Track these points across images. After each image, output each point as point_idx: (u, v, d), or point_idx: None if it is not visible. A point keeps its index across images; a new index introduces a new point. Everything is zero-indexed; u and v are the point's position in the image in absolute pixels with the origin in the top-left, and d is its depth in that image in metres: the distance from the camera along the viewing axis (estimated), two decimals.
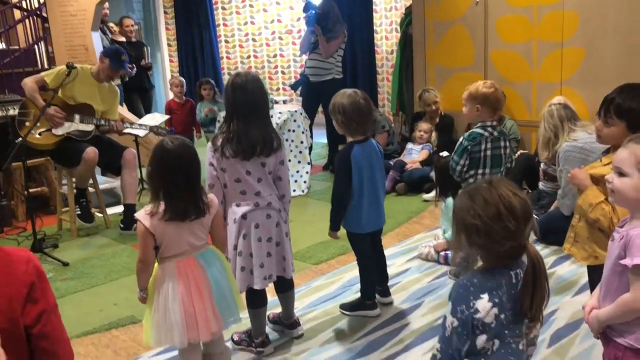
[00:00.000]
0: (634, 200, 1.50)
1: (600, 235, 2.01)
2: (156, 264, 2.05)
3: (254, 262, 2.39)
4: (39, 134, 3.94)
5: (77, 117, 4.02)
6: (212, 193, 2.25)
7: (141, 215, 2.00)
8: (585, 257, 2.10)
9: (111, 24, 6.23)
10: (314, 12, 5.34)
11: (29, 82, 4.00)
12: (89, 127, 4.05)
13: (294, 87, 5.87)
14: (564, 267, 3.16)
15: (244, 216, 2.35)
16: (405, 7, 6.28)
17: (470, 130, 2.90)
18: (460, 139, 2.92)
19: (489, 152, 2.85)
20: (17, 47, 6.26)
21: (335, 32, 5.33)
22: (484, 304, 1.32)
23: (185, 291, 1.98)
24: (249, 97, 2.33)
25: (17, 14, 6.64)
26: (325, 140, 5.85)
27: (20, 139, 3.71)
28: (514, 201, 1.32)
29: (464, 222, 1.35)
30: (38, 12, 6.19)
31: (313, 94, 5.48)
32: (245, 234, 2.37)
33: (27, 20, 6.24)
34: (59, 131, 3.99)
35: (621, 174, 1.52)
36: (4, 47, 6.33)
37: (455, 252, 1.45)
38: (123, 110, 5.27)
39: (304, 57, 5.77)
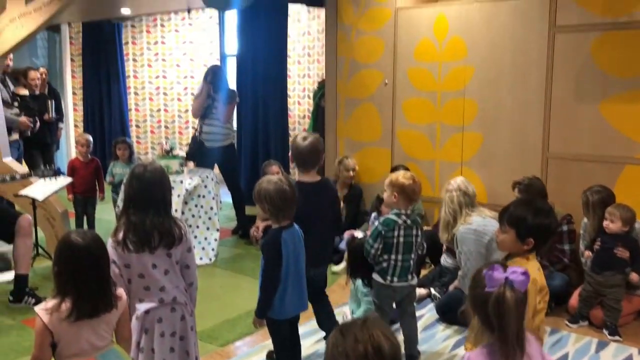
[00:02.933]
0: None
1: None
2: None
3: (156, 358, 2.30)
4: None
5: None
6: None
7: (41, 310, 1.90)
8: None
9: (32, 72, 5.90)
10: (216, 78, 5.46)
11: None
12: None
13: (191, 157, 5.70)
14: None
15: (147, 312, 2.28)
16: (317, 77, 6.50)
17: (386, 217, 3.04)
18: (376, 223, 3.05)
19: (401, 239, 3.00)
20: None
21: (232, 97, 5.53)
22: None
23: None
24: (146, 187, 2.32)
25: None
26: (228, 199, 5.82)
27: None
28: (384, 344, 1.33)
29: (332, 358, 1.36)
30: None
31: (208, 159, 5.49)
32: (147, 329, 2.30)
33: None
34: None
35: None
36: None
37: None
38: (14, 164, 4.94)
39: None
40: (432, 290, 4.02)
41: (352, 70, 5.25)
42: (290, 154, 3.06)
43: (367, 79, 5.15)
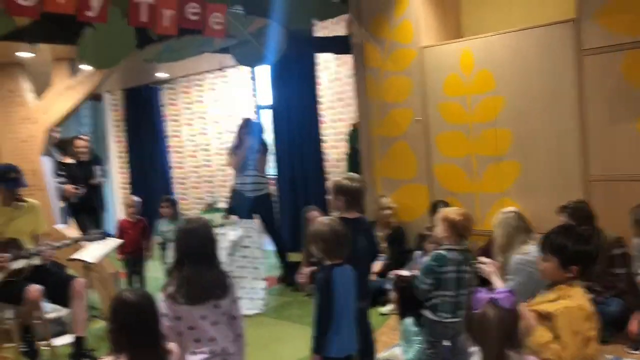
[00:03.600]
0: None
1: None
2: None
3: None
4: None
5: None
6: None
7: None
8: None
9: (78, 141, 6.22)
10: (251, 130, 5.65)
11: None
12: (20, 264, 3.85)
13: (231, 211, 5.80)
14: None
15: None
16: (351, 120, 6.60)
17: (436, 252, 3.04)
18: (426, 258, 3.04)
19: (453, 275, 2.98)
20: None
21: (265, 148, 5.76)
22: None
23: None
24: (199, 242, 2.42)
25: None
26: (271, 248, 5.89)
27: None
28: None
29: None
30: None
31: (248, 209, 5.60)
32: None
33: None
34: None
35: None
36: None
37: None
38: (66, 230, 5.16)
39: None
40: None
41: (383, 110, 5.33)
42: (334, 194, 3.14)
43: (398, 117, 5.21)
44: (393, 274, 4.46)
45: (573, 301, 2.08)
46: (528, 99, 4.43)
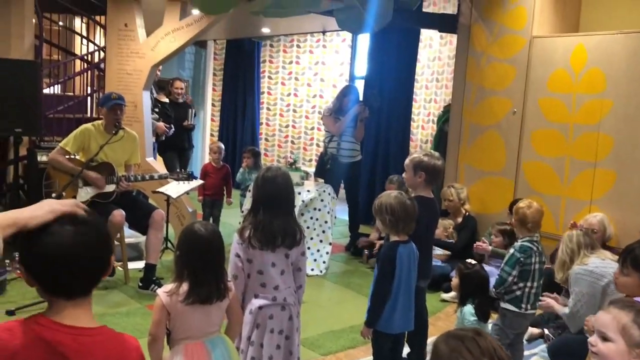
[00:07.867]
0: None
1: None
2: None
3: (264, 353, 2.42)
4: None
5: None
6: (234, 283, 2.30)
7: (161, 292, 2.07)
8: None
9: (178, 82, 6.47)
10: (356, 97, 5.65)
11: (53, 156, 4.13)
12: (110, 188, 4.14)
13: (320, 174, 5.87)
14: None
15: (260, 307, 2.41)
16: (444, 102, 6.46)
17: (521, 243, 3.01)
18: (511, 250, 3.02)
19: (537, 266, 2.98)
20: (71, 94, 6.61)
21: (364, 117, 5.71)
22: None
23: None
24: (276, 190, 2.47)
25: (77, 64, 7.07)
26: (343, 217, 5.92)
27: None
28: (503, 355, 1.29)
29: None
30: (97, 66, 6.57)
31: (340, 173, 5.67)
32: (259, 324, 2.42)
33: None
34: (81, 198, 4.04)
35: (605, 338, 1.53)
36: (60, 93, 6.68)
37: None
38: (154, 163, 5.44)
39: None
40: (546, 331, 3.82)
41: (479, 96, 5.18)
42: (412, 170, 3.08)
43: (494, 106, 5.05)
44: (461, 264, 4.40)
45: None
46: (637, 106, 4.15)
